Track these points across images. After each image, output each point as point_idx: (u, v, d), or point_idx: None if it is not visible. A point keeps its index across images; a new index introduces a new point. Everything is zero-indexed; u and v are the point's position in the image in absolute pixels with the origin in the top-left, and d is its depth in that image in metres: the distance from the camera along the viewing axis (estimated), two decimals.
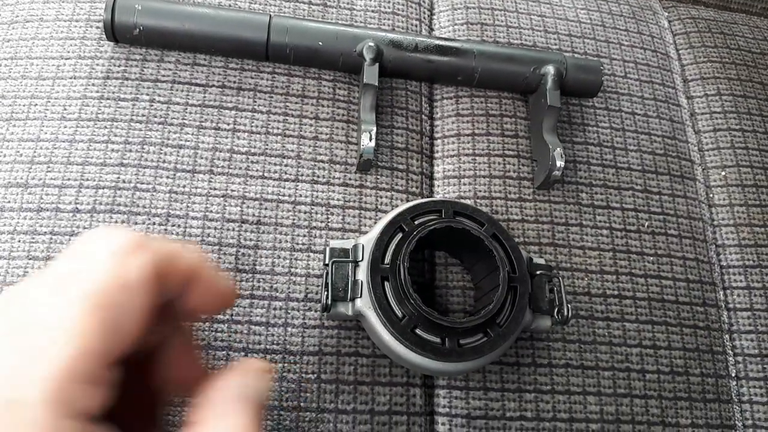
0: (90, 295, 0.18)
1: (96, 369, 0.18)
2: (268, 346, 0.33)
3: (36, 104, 0.36)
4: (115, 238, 0.20)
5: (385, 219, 0.33)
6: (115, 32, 0.37)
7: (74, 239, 0.20)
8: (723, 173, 0.42)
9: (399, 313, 0.30)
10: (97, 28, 0.39)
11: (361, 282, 0.31)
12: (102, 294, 0.18)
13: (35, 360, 0.17)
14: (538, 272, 0.33)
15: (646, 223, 0.39)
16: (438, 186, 0.39)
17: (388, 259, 0.31)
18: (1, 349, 0.17)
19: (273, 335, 0.33)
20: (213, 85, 0.38)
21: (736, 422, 0.36)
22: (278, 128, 0.38)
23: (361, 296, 0.30)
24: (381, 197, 0.37)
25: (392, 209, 0.36)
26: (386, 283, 0.30)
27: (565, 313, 0.32)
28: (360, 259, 0.31)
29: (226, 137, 0.37)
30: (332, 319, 0.33)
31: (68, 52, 0.38)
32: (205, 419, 0.20)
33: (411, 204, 0.33)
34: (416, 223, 0.32)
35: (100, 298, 0.18)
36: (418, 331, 0.30)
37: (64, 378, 0.17)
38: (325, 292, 0.30)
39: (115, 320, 0.18)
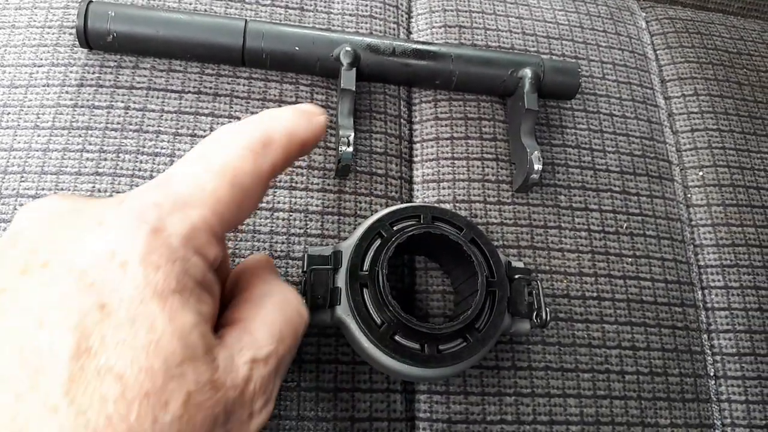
0: (229, 172, 0.22)
1: (220, 232, 0.22)
2: None
3: (9, 113, 0.36)
4: (249, 131, 0.23)
5: (364, 225, 0.32)
6: (88, 39, 0.37)
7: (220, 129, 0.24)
8: (700, 173, 0.43)
9: (378, 320, 0.30)
10: (71, 34, 0.38)
11: (340, 289, 0.30)
12: (240, 175, 0.22)
13: (181, 205, 0.21)
14: (516, 276, 0.33)
15: (625, 225, 0.39)
16: (417, 190, 0.39)
17: (366, 265, 0.31)
18: (150, 192, 0.21)
19: None
20: (189, 92, 0.38)
21: (715, 421, 0.36)
22: None
23: (340, 303, 0.30)
24: (360, 202, 0.37)
25: (372, 214, 0.36)
26: (365, 290, 0.30)
27: (544, 317, 0.32)
28: (339, 265, 0.31)
29: None
30: (312, 328, 0.33)
31: (41, 59, 0.37)
32: (249, 316, 0.24)
33: (390, 210, 0.33)
34: (395, 228, 0.32)
35: (237, 178, 0.22)
36: (397, 337, 0.30)
37: (201, 226, 0.21)
38: (303, 300, 0.30)
39: (242, 200, 0.22)
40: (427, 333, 0.29)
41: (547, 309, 0.32)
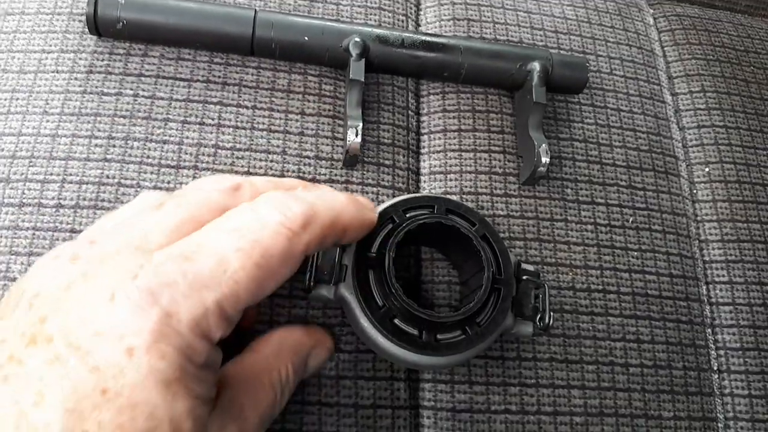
0: (258, 251, 0.21)
1: (234, 311, 0.21)
2: None
3: (17, 98, 0.36)
4: (293, 208, 0.23)
5: (378, 209, 0.33)
6: (98, 26, 0.37)
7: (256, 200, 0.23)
8: (707, 169, 0.43)
9: (380, 302, 0.30)
10: (80, 21, 0.38)
11: (347, 267, 0.30)
12: (268, 256, 0.21)
13: (198, 287, 0.20)
14: (524, 277, 0.33)
15: (631, 219, 0.39)
16: (424, 182, 0.39)
17: (375, 248, 0.31)
18: (169, 266, 0.20)
19: (258, 332, 0.33)
20: (198, 80, 0.38)
21: (718, 415, 0.37)
22: (264, 123, 0.38)
23: (344, 281, 0.30)
24: (367, 193, 0.37)
25: (379, 204, 0.36)
26: (371, 272, 0.30)
27: (547, 321, 0.32)
28: (348, 244, 0.31)
29: (211, 132, 0.37)
30: (314, 302, 0.33)
31: (50, 45, 0.38)
32: (264, 359, 0.26)
33: (405, 197, 0.33)
34: (407, 216, 0.32)
35: (265, 259, 0.21)
36: (396, 321, 0.30)
37: (214, 310, 0.20)
38: (309, 273, 0.30)
39: (265, 280, 0.22)
40: (426, 320, 0.29)
41: (551, 314, 0.32)
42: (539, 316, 0.32)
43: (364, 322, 0.30)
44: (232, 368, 0.25)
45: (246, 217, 0.22)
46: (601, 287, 0.37)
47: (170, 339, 0.19)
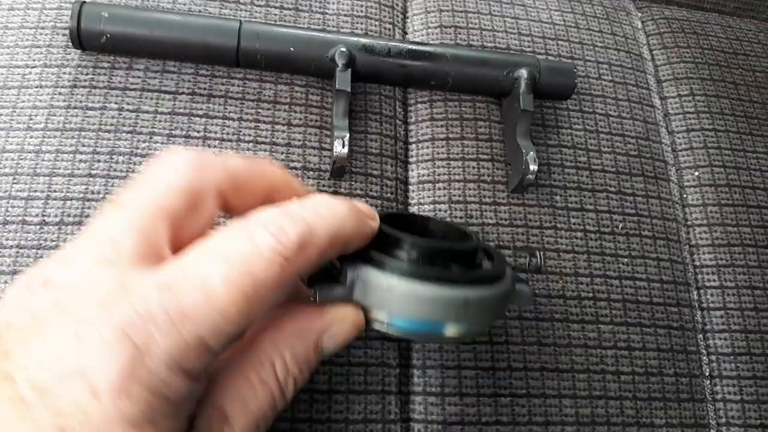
0: (249, 283, 0.19)
1: (218, 345, 0.20)
2: None
3: (1, 114, 0.36)
4: (288, 231, 0.21)
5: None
6: (81, 40, 0.36)
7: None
8: (696, 173, 0.43)
9: (402, 255, 0.26)
10: (64, 35, 0.38)
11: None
12: (259, 287, 0.20)
13: (178, 319, 0.18)
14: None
15: (620, 225, 0.39)
16: (413, 191, 0.39)
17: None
18: (148, 294, 0.19)
19: None
20: (183, 93, 0.38)
21: (710, 421, 0.36)
22: (250, 135, 0.37)
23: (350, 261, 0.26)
24: None
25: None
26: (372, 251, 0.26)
27: (538, 258, 0.31)
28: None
29: (197, 145, 0.36)
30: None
31: (34, 60, 0.37)
32: (253, 351, 0.23)
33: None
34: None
35: (255, 290, 0.20)
36: (425, 266, 0.26)
37: (194, 344, 0.19)
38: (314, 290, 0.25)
39: (254, 311, 0.20)
40: (449, 249, 0.26)
41: (540, 254, 0.31)
42: (528, 259, 0.32)
43: (395, 282, 0.25)
44: (214, 367, 0.22)
45: (237, 241, 0.20)
46: (591, 295, 0.37)
47: (141, 378, 0.18)
